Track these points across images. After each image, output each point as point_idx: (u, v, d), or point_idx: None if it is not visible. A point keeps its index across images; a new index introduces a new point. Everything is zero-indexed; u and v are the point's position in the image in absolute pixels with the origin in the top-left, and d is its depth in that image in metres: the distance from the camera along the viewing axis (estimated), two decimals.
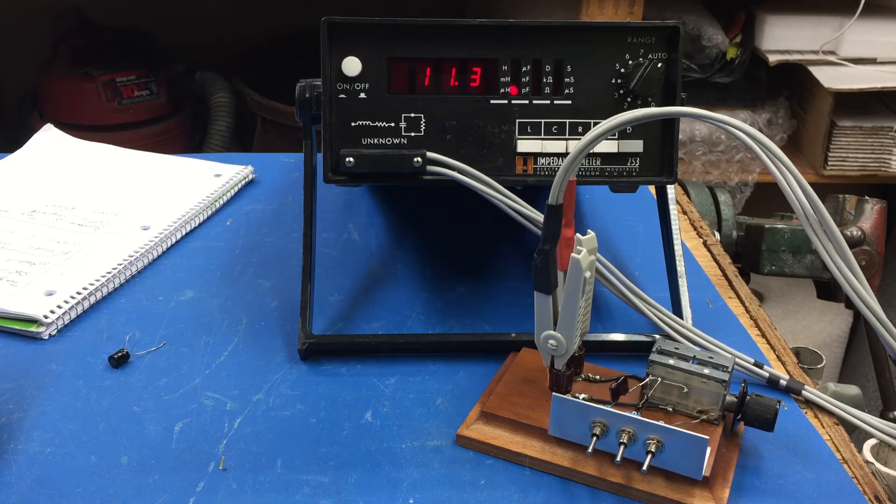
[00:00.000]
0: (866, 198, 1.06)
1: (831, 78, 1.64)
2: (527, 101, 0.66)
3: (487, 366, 0.68)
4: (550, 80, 0.66)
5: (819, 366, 0.88)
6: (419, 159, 0.65)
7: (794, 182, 0.53)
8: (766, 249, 1.03)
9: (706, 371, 0.58)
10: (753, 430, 0.60)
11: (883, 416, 0.93)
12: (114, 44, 1.92)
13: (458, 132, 0.66)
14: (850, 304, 0.96)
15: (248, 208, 0.91)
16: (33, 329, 0.70)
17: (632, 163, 0.68)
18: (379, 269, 0.81)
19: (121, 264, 0.77)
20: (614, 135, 0.66)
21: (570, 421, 0.57)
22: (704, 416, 0.59)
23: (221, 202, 0.91)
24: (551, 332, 0.58)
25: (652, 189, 0.91)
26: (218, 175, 0.94)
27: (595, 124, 0.59)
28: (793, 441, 0.62)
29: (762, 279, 1.80)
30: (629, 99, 0.67)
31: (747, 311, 0.79)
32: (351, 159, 0.65)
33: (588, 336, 0.68)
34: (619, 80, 0.66)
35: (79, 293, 0.73)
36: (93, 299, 0.74)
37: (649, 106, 0.67)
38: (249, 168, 0.96)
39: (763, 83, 1.77)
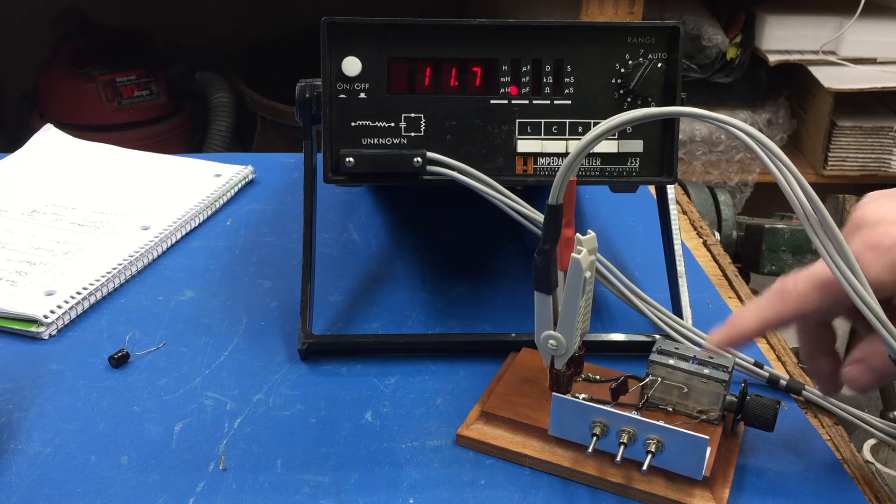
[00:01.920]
0: None
1: (831, 78, 1.64)
2: (527, 101, 0.66)
3: (487, 366, 0.68)
4: (550, 80, 0.66)
5: None
6: (419, 159, 0.65)
7: (794, 182, 0.53)
8: (766, 249, 1.03)
9: (706, 371, 0.58)
10: (753, 430, 0.60)
11: (883, 416, 0.93)
12: (114, 44, 1.92)
13: (458, 132, 0.66)
14: None
15: (248, 208, 0.91)
16: (33, 329, 0.70)
17: (632, 163, 0.67)
18: (379, 269, 0.81)
19: (121, 264, 0.77)
20: (614, 135, 0.66)
21: (570, 421, 0.57)
22: (704, 416, 0.59)
23: (221, 202, 0.91)
24: (551, 332, 0.58)
25: (652, 189, 0.91)
26: (218, 175, 0.94)
27: (595, 124, 0.59)
28: (793, 441, 0.62)
29: (762, 279, 1.79)
30: (629, 99, 0.67)
31: None
32: (351, 159, 0.65)
33: (588, 336, 0.68)
34: (619, 80, 0.66)
35: (79, 293, 0.73)
36: (93, 299, 0.74)
37: (649, 106, 0.67)
38: (249, 168, 0.96)
39: (763, 83, 1.77)
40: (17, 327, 0.70)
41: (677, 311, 0.72)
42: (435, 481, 0.57)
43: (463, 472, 0.58)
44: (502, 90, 0.66)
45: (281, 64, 1.97)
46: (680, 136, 0.86)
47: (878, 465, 0.65)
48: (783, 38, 1.71)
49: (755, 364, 0.67)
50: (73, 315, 0.72)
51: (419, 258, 0.83)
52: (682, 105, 0.65)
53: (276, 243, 0.84)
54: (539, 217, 0.67)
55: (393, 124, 0.66)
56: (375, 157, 0.65)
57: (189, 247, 0.83)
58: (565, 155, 0.67)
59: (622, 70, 0.66)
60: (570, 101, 0.66)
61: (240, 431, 0.61)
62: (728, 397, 0.58)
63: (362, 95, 0.65)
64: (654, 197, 0.77)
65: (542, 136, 0.67)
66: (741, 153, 1.77)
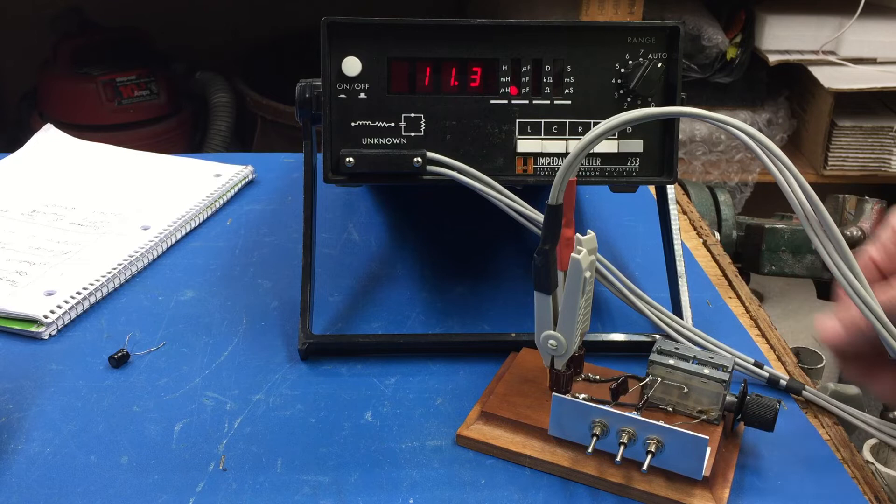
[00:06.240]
0: (866, 198, 1.06)
1: (831, 78, 1.64)
2: (527, 101, 0.66)
3: (487, 366, 0.68)
4: (550, 80, 0.66)
5: (819, 366, 0.88)
6: (419, 159, 0.65)
7: (794, 182, 0.53)
8: (766, 249, 1.03)
9: (706, 371, 0.58)
10: (753, 430, 0.60)
11: (883, 416, 0.93)
12: (114, 44, 1.92)
13: (458, 132, 0.66)
14: None
15: (248, 208, 0.91)
16: (33, 329, 0.70)
17: (632, 163, 0.67)
18: (379, 269, 0.81)
19: (121, 264, 0.77)
20: (614, 135, 0.66)
21: (570, 421, 0.57)
22: (704, 416, 0.59)
23: (221, 202, 0.91)
24: (551, 332, 0.58)
25: (652, 189, 0.91)
26: (218, 175, 0.94)
27: (595, 124, 0.59)
28: (793, 441, 0.62)
29: (762, 279, 1.80)
30: (629, 99, 0.67)
31: (747, 311, 0.79)
32: (351, 159, 0.65)
33: (588, 336, 0.68)
34: (619, 80, 0.66)
35: (79, 293, 0.73)
36: (93, 299, 0.74)
37: (649, 106, 0.67)
38: (249, 168, 0.96)
39: (763, 83, 1.77)
40: (17, 327, 0.70)
41: (677, 311, 0.72)
42: (435, 481, 0.57)
43: (463, 472, 0.58)
44: (502, 90, 0.66)
45: (281, 64, 1.97)
46: (680, 136, 0.86)
47: (878, 465, 0.65)
48: (783, 38, 1.71)
49: (755, 364, 0.67)
50: (73, 315, 0.72)
51: (419, 258, 0.83)
52: (682, 105, 0.65)
53: (276, 243, 0.84)
54: (539, 217, 0.67)
55: (393, 124, 0.66)
56: (375, 157, 0.65)
57: (189, 247, 0.83)
58: (565, 155, 0.67)
59: (622, 70, 0.66)
60: (570, 101, 0.66)
61: (240, 431, 0.61)
62: (728, 397, 0.58)
63: (362, 95, 0.65)
64: (654, 197, 0.77)
65: (542, 136, 0.67)
66: (741, 153, 1.77)
